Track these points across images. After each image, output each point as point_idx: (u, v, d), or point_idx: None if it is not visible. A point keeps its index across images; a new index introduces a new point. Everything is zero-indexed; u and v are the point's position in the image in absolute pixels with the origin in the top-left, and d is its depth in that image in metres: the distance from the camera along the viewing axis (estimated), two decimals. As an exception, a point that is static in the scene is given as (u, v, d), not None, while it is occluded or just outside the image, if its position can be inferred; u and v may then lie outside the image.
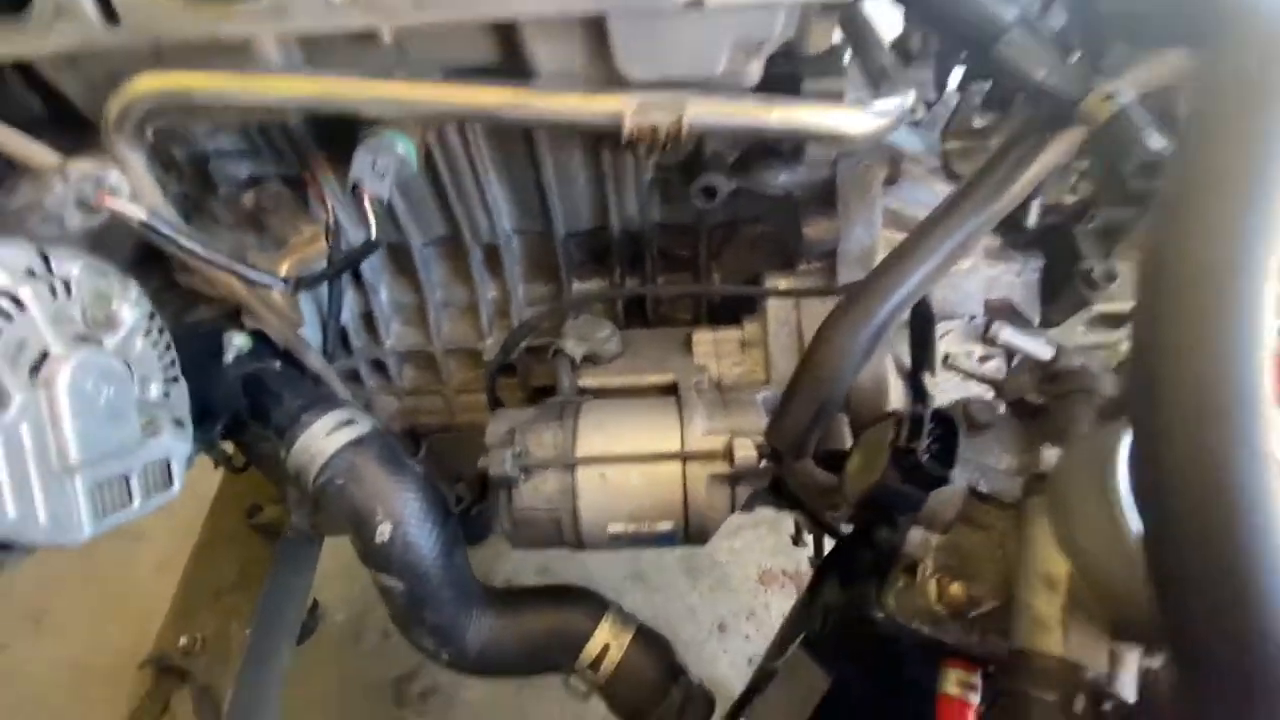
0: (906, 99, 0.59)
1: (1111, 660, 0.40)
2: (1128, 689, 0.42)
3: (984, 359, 0.87)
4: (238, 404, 0.69)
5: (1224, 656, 0.27)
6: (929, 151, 0.87)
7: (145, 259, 0.70)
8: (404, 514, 0.62)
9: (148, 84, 0.53)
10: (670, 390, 0.71)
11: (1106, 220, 0.80)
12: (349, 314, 0.84)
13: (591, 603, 0.71)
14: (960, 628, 0.47)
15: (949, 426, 0.43)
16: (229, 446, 0.93)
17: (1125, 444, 0.39)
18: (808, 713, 0.53)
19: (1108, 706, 0.38)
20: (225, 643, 0.95)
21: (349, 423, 0.65)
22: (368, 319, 0.86)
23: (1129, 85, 0.52)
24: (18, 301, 0.46)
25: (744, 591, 1.41)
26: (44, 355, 0.47)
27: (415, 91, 0.53)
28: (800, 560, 1.44)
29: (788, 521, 1.45)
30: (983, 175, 0.56)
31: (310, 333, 0.76)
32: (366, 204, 0.57)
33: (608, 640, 0.69)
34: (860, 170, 0.68)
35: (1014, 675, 0.39)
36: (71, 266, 0.50)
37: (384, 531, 0.61)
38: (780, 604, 1.39)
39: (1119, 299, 0.85)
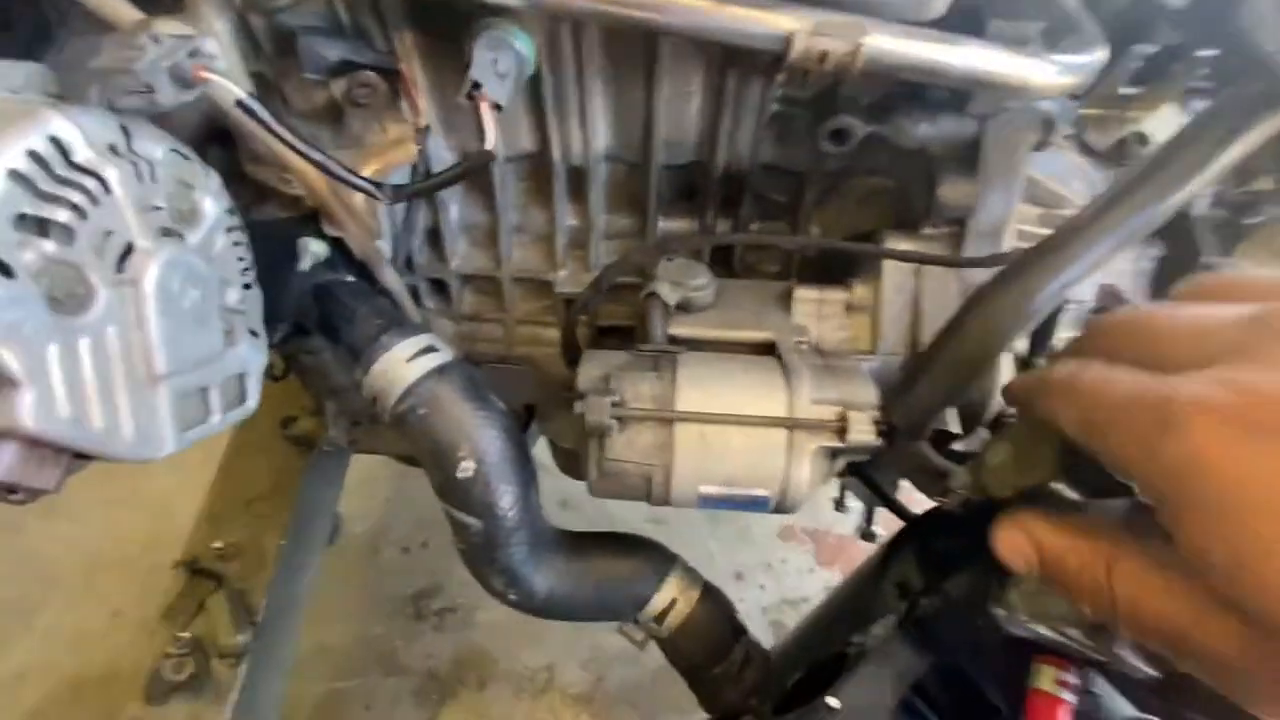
0: (1098, 54, 0.52)
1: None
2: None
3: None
4: (306, 315, 0.63)
5: None
6: (1062, 117, 0.80)
7: (205, 144, 0.63)
8: (488, 451, 0.58)
9: (242, -66, 0.45)
10: (766, 349, 0.66)
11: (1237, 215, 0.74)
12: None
13: (659, 555, 0.70)
14: (1087, 635, 0.45)
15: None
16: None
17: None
18: (899, 695, 0.52)
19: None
20: (259, 550, 0.94)
21: (430, 349, 0.60)
22: (433, 235, 0.80)
23: (1364, 68, 0.46)
24: (104, 183, 0.39)
25: (763, 544, 1.43)
26: (129, 248, 0.41)
27: (560, -20, 0.46)
28: (820, 521, 1.45)
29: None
30: (1174, 150, 0.50)
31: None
32: (485, 110, 0.50)
33: (675, 595, 0.67)
34: (1010, 132, 0.61)
35: (1179, 697, 0.38)
36: (155, 147, 0.44)
37: (467, 468, 0.57)
38: (798, 560, 1.40)
39: (1232, 299, 0.80)
